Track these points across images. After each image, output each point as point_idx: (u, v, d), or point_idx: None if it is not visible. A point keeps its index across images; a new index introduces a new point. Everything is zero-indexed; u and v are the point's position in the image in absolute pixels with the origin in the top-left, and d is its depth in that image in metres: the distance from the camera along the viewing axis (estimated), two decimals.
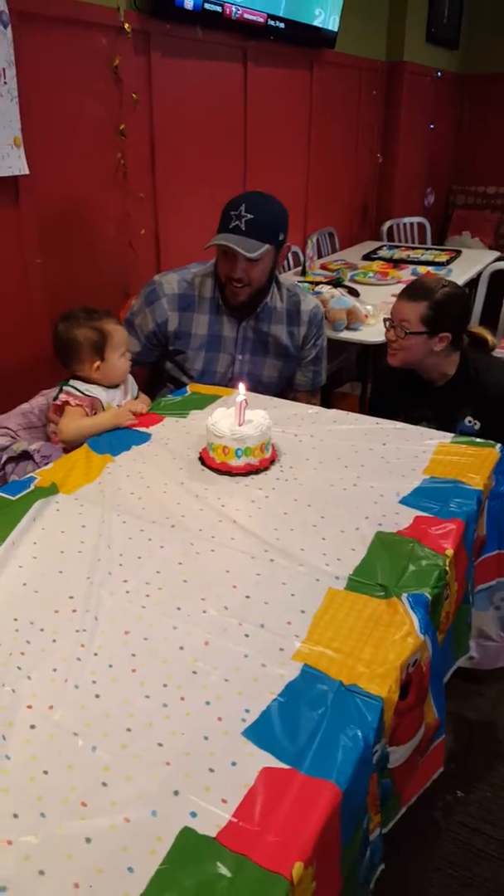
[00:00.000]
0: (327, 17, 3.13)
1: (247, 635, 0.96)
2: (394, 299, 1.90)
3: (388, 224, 4.16)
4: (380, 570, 1.08)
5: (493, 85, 4.94)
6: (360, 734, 0.80)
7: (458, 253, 3.60)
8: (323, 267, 3.26)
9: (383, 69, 4.05)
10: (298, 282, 2.94)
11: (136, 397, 1.71)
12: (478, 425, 1.88)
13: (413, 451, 1.47)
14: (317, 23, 3.07)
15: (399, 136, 4.25)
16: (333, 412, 1.67)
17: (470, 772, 1.60)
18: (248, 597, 1.03)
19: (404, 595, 1.02)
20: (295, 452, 1.46)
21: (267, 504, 1.28)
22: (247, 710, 0.83)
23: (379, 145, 4.24)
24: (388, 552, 1.12)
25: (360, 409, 2.59)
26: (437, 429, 1.58)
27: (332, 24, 3.19)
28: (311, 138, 3.46)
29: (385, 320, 1.92)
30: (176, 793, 0.74)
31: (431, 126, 4.68)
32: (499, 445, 1.46)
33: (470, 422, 1.89)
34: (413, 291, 1.83)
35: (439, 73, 4.60)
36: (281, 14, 2.80)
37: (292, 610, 1.00)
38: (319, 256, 3.54)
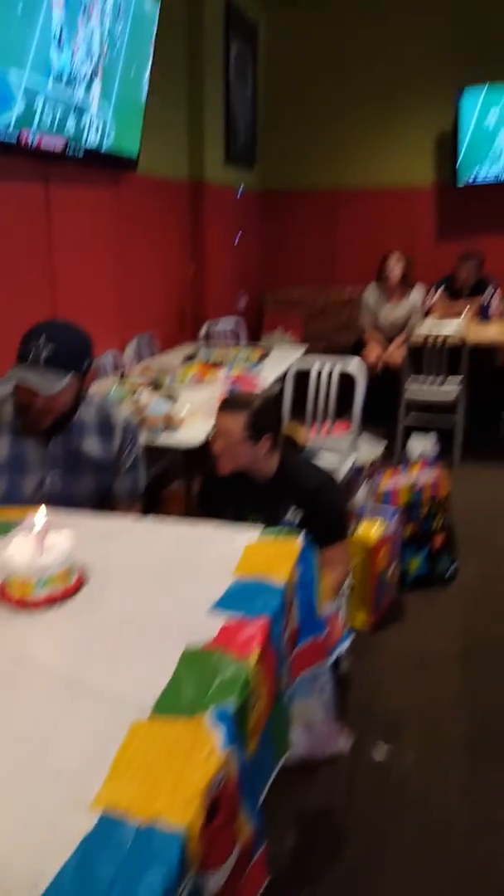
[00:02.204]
0: (127, 142, 3.35)
1: (41, 787, 0.91)
2: (211, 400, 2.02)
3: (205, 326, 4.39)
4: (185, 691, 1.09)
5: (289, 200, 5.50)
6: (160, 877, 0.78)
7: (269, 350, 3.87)
8: (143, 371, 3.35)
9: (187, 187, 4.37)
10: (118, 387, 3.01)
11: None
12: (299, 517, 2.01)
13: (225, 552, 1.51)
14: (116, 148, 3.27)
15: (208, 246, 4.56)
16: (147, 521, 1.70)
17: (314, 866, 1.60)
18: (45, 744, 0.99)
19: (208, 712, 1.03)
20: (105, 572, 1.45)
21: (71, 637, 1.25)
22: (39, 874, 0.79)
23: (191, 254, 4.51)
24: (194, 669, 1.14)
25: (188, 508, 2.65)
26: (264, 523, 1.66)
27: (133, 147, 3.41)
28: (122, 251, 3.61)
29: (210, 434, 2.04)
30: None
31: (238, 236, 5.07)
32: (301, 535, 1.55)
33: (291, 515, 2.02)
34: (232, 404, 2.00)
35: (241, 190, 5.04)
36: (80, 142, 2.96)
37: (93, 752, 0.97)
38: (140, 360, 3.64)
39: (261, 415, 1.95)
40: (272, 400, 2.12)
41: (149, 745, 0.98)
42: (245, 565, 1.45)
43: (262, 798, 1.18)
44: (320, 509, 1.99)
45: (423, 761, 1.96)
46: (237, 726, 1.05)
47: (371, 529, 2.49)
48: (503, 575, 2.94)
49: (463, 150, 4.81)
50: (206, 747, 0.97)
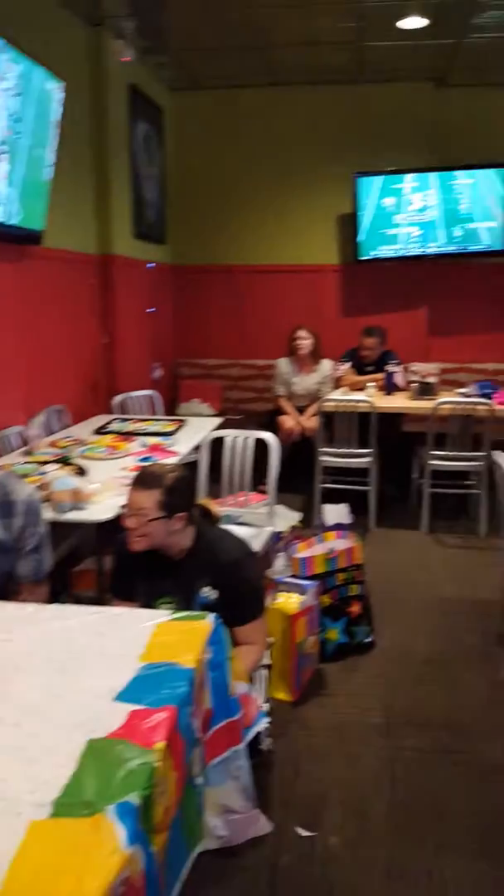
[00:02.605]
0: (32, 218, 3.36)
1: None
2: (124, 473, 1.96)
3: (119, 398, 4.37)
4: (88, 786, 1.02)
5: (199, 275, 5.65)
6: None
7: (184, 421, 3.88)
8: (52, 445, 3.27)
9: (96, 261, 4.42)
10: (25, 462, 2.91)
11: None
12: (214, 595, 1.95)
13: (131, 637, 1.45)
14: (20, 223, 3.27)
15: (119, 319, 4.59)
16: (52, 607, 1.62)
17: None
18: None
19: (110, 807, 0.96)
20: (5, 662, 1.36)
21: None
22: None
23: (102, 327, 4.52)
24: (97, 761, 1.07)
25: (100, 586, 2.55)
26: (178, 602, 1.61)
27: (37, 223, 3.43)
28: (28, 324, 3.58)
29: (122, 509, 1.98)
30: None
31: (151, 310, 5.14)
32: (210, 616, 1.52)
33: (206, 592, 1.96)
34: (145, 480, 1.92)
35: (151, 264, 5.14)
36: None
37: None
38: (49, 433, 3.56)
39: (175, 490, 1.90)
40: (187, 473, 2.09)
41: (47, 847, 0.91)
42: (153, 650, 1.40)
43: (176, 891, 1.10)
44: (236, 585, 1.96)
45: (347, 843, 1.89)
46: (142, 821, 0.99)
47: (289, 600, 2.47)
48: (419, 639, 2.97)
49: (363, 230, 5.12)
50: (107, 846, 0.90)
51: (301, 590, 2.53)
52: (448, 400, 4.17)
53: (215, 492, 3.17)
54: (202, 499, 2.20)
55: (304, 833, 1.91)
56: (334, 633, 2.75)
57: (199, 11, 3.91)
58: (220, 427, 3.63)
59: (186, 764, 1.22)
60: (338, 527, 2.89)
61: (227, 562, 1.97)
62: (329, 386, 4.76)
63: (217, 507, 2.21)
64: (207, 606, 1.85)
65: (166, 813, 1.10)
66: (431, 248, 5.07)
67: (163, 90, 5.33)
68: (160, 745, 1.10)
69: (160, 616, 1.55)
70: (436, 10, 3.82)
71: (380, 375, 4.63)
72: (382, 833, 1.93)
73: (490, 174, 4.91)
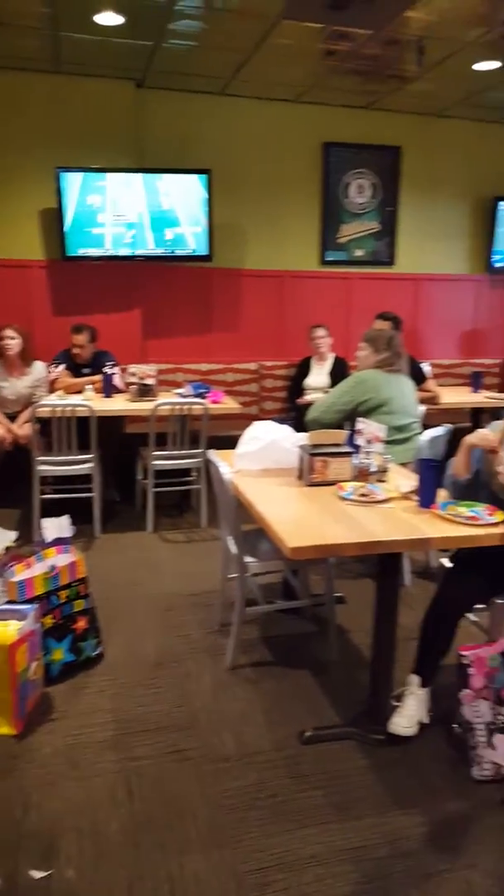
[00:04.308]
0: None
1: None
2: None
3: None
4: None
5: None
6: None
7: None
8: None
9: None
10: None
11: None
12: None
13: None
14: None
15: None
16: None
17: None
18: None
19: None
20: None
21: None
22: None
23: None
24: None
25: None
26: None
27: None
28: None
29: None
30: None
31: None
32: None
33: None
34: None
35: None
36: None
37: None
38: None
39: None
40: None
41: None
42: None
43: None
44: None
45: (84, 872, 1.84)
46: None
47: (6, 629, 2.31)
48: (147, 641, 3.00)
49: (67, 227, 4.96)
50: None
51: (20, 615, 2.39)
52: (167, 401, 4.27)
53: None
54: None
55: (38, 874, 1.82)
56: (59, 653, 2.65)
57: None
58: None
59: None
60: (58, 542, 2.78)
61: None
62: (43, 390, 4.56)
63: None
64: None
65: None
66: (140, 251, 5.12)
67: None
68: None
69: None
70: (132, 9, 3.82)
71: (97, 378, 4.56)
72: (121, 851, 1.91)
73: (194, 179, 5.09)
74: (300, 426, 3.10)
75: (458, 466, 2.40)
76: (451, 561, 2.52)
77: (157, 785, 2.17)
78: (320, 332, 5.13)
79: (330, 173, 5.61)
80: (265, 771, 2.23)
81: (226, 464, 2.72)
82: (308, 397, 4.95)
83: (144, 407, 4.25)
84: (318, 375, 5.15)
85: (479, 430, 2.39)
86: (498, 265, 6.02)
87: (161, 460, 4.28)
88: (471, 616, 2.54)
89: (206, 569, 3.64)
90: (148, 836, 1.97)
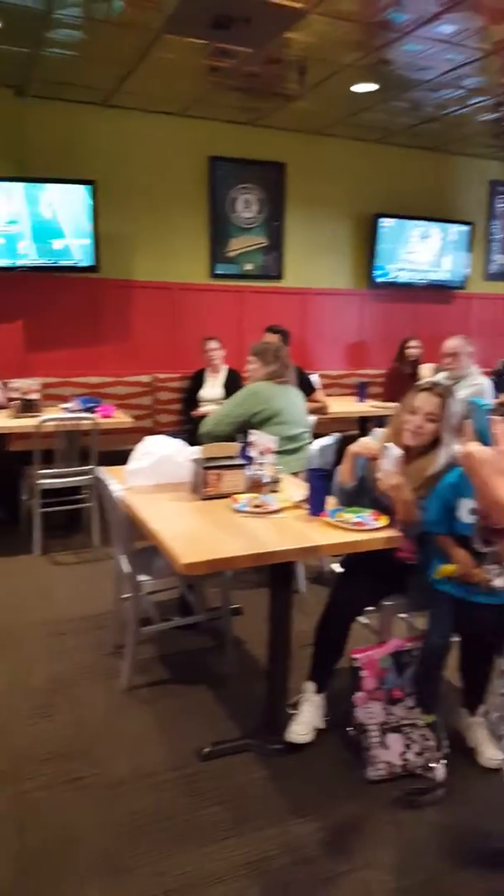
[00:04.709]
0: None
1: None
2: None
3: None
4: None
5: None
6: None
7: None
8: None
9: None
10: None
11: None
12: None
13: None
14: None
15: None
16: None
17: None
18: None
19: None
20: None
21: None
22: None
23: None
24: None
25: None
26: None
27: None
28: None
29: None
30: None
31: None
32: None
33: None
34: None
35: None
36: None
37: None
38: None
39: None
40: None
41: None
42: None
43: None
44: None
45: None
46: None
47: None
48: (37, 668, 2.88)
49: None
50: None
51: None
52: (52, 417, 4.13)
53: None
54: None
55: None
56: None
57: None
58: None
59: None
60: None
61: None
62: None
63: None
64: None
65: None
66: (22, 261, 4.94)
67: None
68: None
69: None
70: (8, 15, 3.70)
71: None
72: (15, 890, 1.81)
73: (78, 190, 4.99)
74: (195, 439, 3.09)
75: (343, 474, 2.47)
76: (342, 566, 2.59)
77: (51, 816, 2.07)
78: (213, 344, 5.15)
79: (217, 187, 5.66)
80: (162, 791, 2.18)
81: (116, 480, 2.66)
82: (203, 409, 4.95)
83: (28, 423, 4.09)
84: (213, 387, 5.16)
85: (362, 439, 2.47)
86: (379, 280, 6.29)
87: (48, 479, 4.13)
88: (361, 619, 2.61)
89: (99, 590, 3.53)
90: (42, 870, 1.88)
